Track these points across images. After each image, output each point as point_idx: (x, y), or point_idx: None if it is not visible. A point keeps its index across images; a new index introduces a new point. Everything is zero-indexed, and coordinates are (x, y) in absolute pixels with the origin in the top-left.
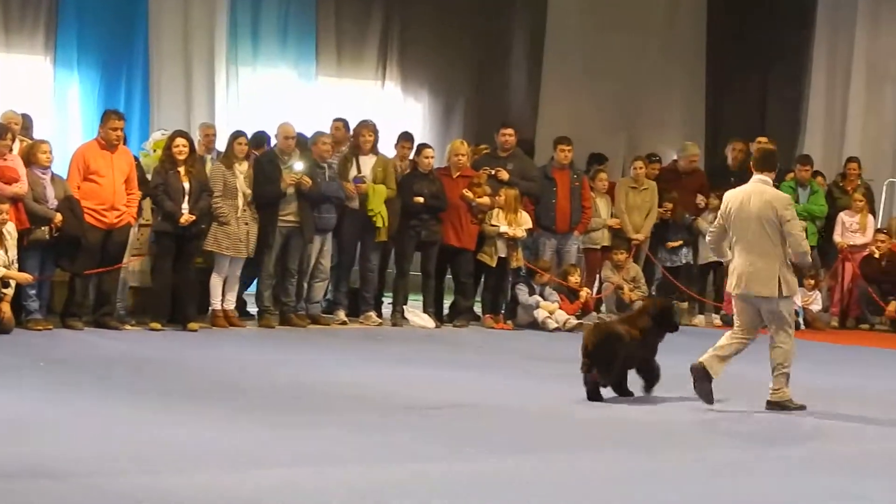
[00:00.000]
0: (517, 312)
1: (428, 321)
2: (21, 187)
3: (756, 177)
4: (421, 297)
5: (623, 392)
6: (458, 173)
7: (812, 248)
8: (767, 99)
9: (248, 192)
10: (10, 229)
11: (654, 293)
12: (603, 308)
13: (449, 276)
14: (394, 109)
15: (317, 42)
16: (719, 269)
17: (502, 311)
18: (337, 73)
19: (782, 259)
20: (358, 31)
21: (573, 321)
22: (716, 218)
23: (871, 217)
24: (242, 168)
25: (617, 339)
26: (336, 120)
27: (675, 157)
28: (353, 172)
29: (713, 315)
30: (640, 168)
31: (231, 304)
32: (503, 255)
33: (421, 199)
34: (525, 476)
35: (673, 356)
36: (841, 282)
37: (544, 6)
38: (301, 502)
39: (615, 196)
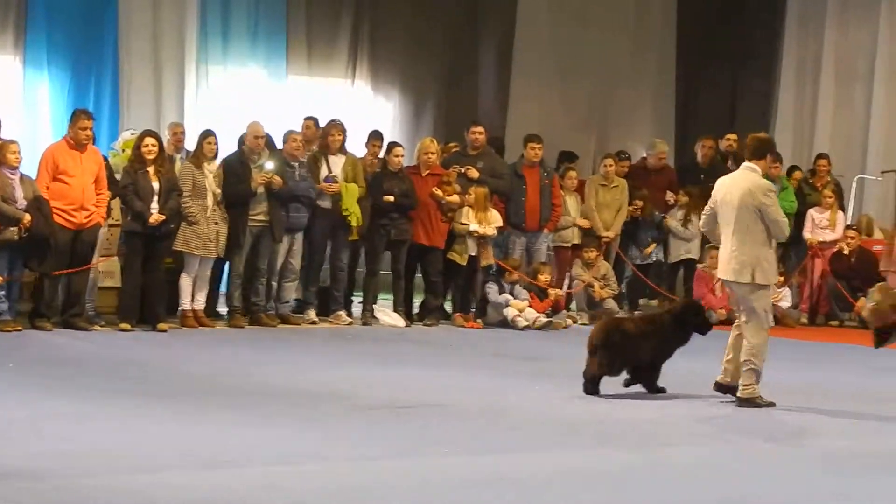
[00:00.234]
0: (487, 311)
1: (398, 320)
2: None
3: (745, 164)
4: (391, 296)
5: (647, 384)
6: (427, 172)
7: (779, 245)
8: (737, 96)
9: (218, 191)
10: None
11: (623, 290)
12: (573, 306)
13: (419, 275)
14: (364, 108)
15: (287, 41)
16: (689, 267)
17: (472, 310)
18: (307, 72)
19: (760, 247)
20: (328, 30)
21: (543, 319)
22: (684, 215)
23: (840, 213)
24: (212, 168)
25: (622, 333)
26: (307, 118)
27: (644, 155)
28: (323, 172)
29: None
30: (611, 165)
31: (201, 305)
32: (473, 254)
33: (391, 198)
34: (498, 474)
35: None
36: (810, 278)
37: (514, 5)
38: (273, 501)
39: (585, 194)
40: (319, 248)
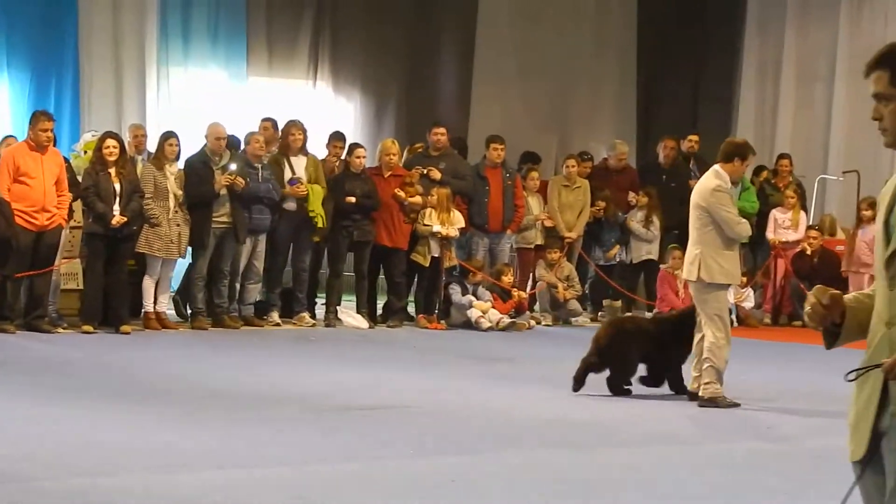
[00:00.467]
0: (450, 312)
1: (361, 322)
2: None
3: (713, 167)
4: (354, 298)
5: (672, 385)
6: (389, 173)
7: (742, 245)
8: (698, 97)
9: (179, 193)
10: None
11: (587, 291)
12: (537, 307)
13: (382, 277)
14: (325, 109)
15: (248, 42)
16: (650, 267)
17: (436, 311)
18: (268, 73)
19: (712, 247)
20: (289, 31)
21: (506, 320)
22: (644, 216)
23: (803, 214)
24: (173, 169)
25: (627, 334)
26: (264, 120)
27: (606, 156)
28: (287, 174)
29: (646, 314)
30: (573, 166)
31: (163, 307)
32: (436, 255)
33: (353, 199)
34: (461, 475)
35: None
36: (773, 279)
37: (475, 6)
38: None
39: (548, 195)
40: (282, 250)
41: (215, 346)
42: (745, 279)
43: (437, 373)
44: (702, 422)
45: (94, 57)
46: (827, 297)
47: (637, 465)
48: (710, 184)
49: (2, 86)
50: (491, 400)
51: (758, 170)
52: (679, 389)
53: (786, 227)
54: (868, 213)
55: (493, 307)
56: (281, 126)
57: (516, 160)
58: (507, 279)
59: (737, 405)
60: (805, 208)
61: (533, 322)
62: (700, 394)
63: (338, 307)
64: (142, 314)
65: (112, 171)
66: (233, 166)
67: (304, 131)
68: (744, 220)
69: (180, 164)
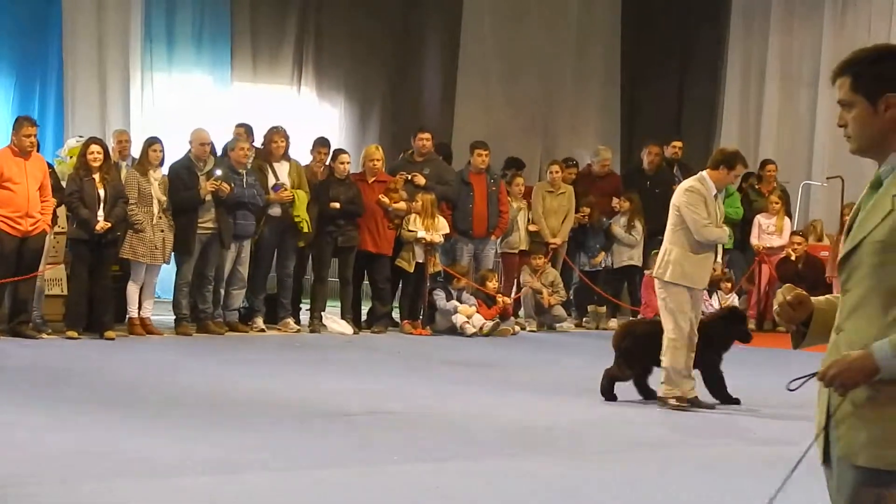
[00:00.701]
0: (435, 318)
1: (346, 327)
2: None
3: (700, 172)
4: (339, 304)
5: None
6: (373, 178)
7: (727, 251)
8: (683, 102)
9: (164, 198)
10: None
11: (571, 297)
12: (521, 313)
13: (367, 282)
14: (310, 114)
15: (232, 47)
16: (634, 273)
17: (420, 317)
18: (252, 79)
19: (680, 248)
20: (273, 37)
21: (489, 324)
22: (627, 221)
23: (787, 219)
24: (157, 175)
25: (638, 336)
26: (238, 125)
27: (589, 162)
28: (270, 180)
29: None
30: (557, 172)
31: (148, 312)
32: (421, 261)
33: (337, 205)
34: (445, 481)
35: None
36: (758, 284)
37: (459, 12)
38: None
39: (532, 201)
40: (266, 256)
41: (200, 352)
42: (728, 285)
43: (421, 378)
44: (686, 427)
45: (79, 62)
46: (792, 295)
47: (622, 471)
48: (685, 185)
49: None
50: (476, 406)
51: (746, 176)
52: (714, 393)
53: (770, 232)
54: None
55: (478, 312)
56: (262, 133)
57: (500, 166)
58: (492, 285)
59: (684, 408)
60: (789, 214)
61: (517, 328)
62: (658, 393)
63: (322, 313)
64: (126, 320)
65: (96, 176)
66: (218, 172)
67: (287, 138)
68: (709, 224)
69: (164, 170)
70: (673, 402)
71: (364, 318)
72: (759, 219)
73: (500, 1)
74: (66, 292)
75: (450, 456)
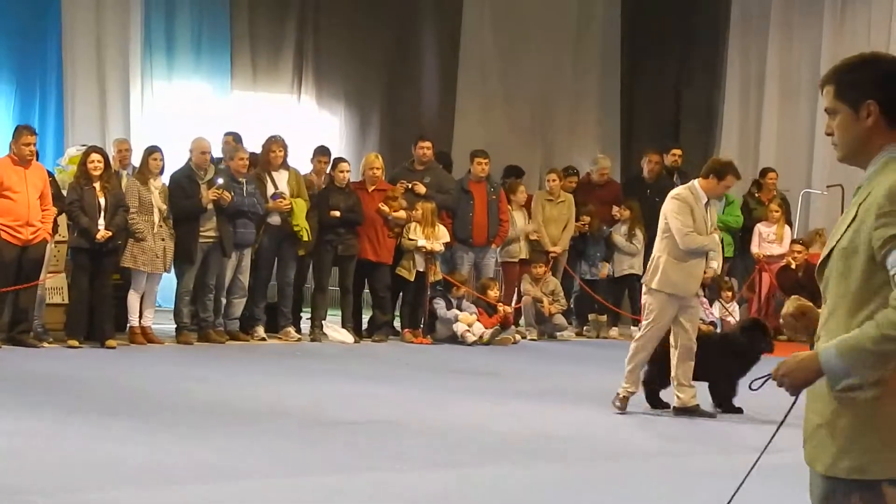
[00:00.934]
0: (436, 327)
1: (347, 336)
2: None
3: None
4: (339, 312)
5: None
6: (373, 187)
7: (727, 259)
8: (682, 110)
9: (164, 207)
10: None
11: (572, 306)
12: (522, 321)
13: (367, 291)
14: (310, 123)
15: (231, 55)
16: (634, 281)
17: (421, 326)
18: (252, 87)
19: (665, 253)
20: (273, 45)
21: (489, 332)
22: (628, 229)
23: (787, 228)
24: (157, 184)
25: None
26: (227, 134)
27: (588, 170)
28: (270, 189)
29: (632, 327)
30: (555, 180)
31: (149, 321)
32: (421, 269)
33: (337, 214)
34: (447, 489)
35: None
36: (758, 293)
37: (458, 19)
38: None
39: (532, 209)
40: (266, 265)
41: (201, 360)
42: (730, 294)
43: (423, 387)
44: (688, 435)
45: (78, 71)
46: (794, 307)
47: (623, 479)
48: (673, 192)
49: None
50: (476, 414)
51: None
52: (718, 402)
53: (770, 241)
54: None
55: (479, 321)
56: (260, 141)
57: (500, 174)
58: (493, 293)
59: (621, 410)
60: (790, 222)
61: (518, 336)
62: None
63: (323, 322)
64: (127, 329)
65: (97, 185)
66: (220, 180)
67: (285, 147)
68: (692, 232)
69: (164, 179)
70: (618, 402)
71: (365, 326)
72: (760, 227)
73: (500, 11)
74: (66, 301)
75: (451, 463)
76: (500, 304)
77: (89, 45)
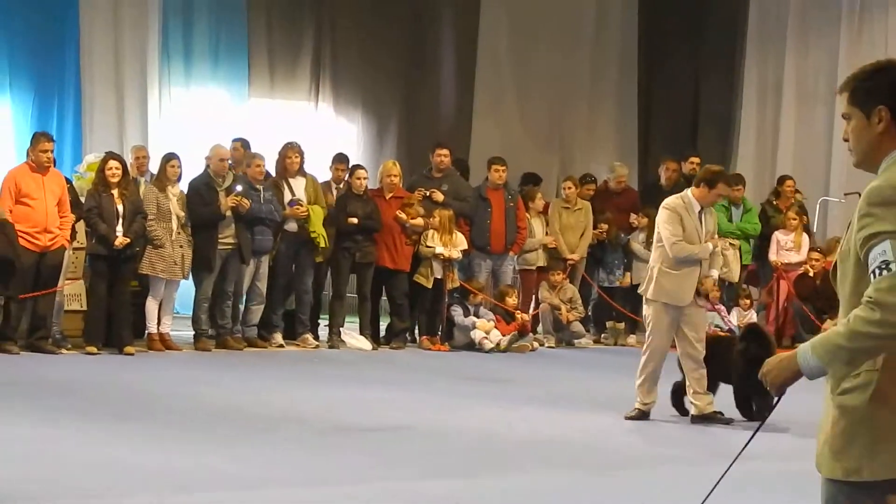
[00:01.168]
0: (454, 334)
1: (364, 343)
2: None
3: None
4: (357, 319)
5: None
6: (390, 194)
7: (744, 266)
8: (699, 118)
9: (182, 214)
10: None
11: (590, 313)
12: (539, 328)
13: (385, 298)
14: (327, 130)
15: (249, 62)
16: None
17: (439, 333)
18: (269, 94)
19: (659, 262)
20: (290, 51)
21: (506, 340)
22: (646, 237)
23: (805, 235)
24: (175, 191)
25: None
26: (235, 140)
27: (606, 178)
28: (287, 196)
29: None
30: (570, 188)
31: (167, 328)
32: (439, 277)
33: (355, 220)
34: (464, 497)
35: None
36: (776, 300)
37: (475, 27)
38: None
39: (549, 217)
40: (283, 271)
41: (219, 367)
42: (747, 301)
43: (440, 394)
44: (704, 443)
45: (96, 78)
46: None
47: (639, 487)
48: (664, 201)
49: (4, 107)
50: (494, 421)
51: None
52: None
53: (788, 248)
54: None
55: (496, 328)
56: (277, 148)
57: (517, 182)
58: (512, 301)
59: (638, 416)
60: (808, 230)
61: (536, 344)
62: None
63: (341, 328)
64: (145, 335)
65: (115, 192)
66: (238, 187)
67: (301, 153)
68: (680, 240)
69: (182, 186)
70: (631, 412)
71: (382, 333)
72: (777, 235)
73: (517, 17)
74: (85, 308)
75: (469, 471)
76: (518, 311)
77: (107, 52)
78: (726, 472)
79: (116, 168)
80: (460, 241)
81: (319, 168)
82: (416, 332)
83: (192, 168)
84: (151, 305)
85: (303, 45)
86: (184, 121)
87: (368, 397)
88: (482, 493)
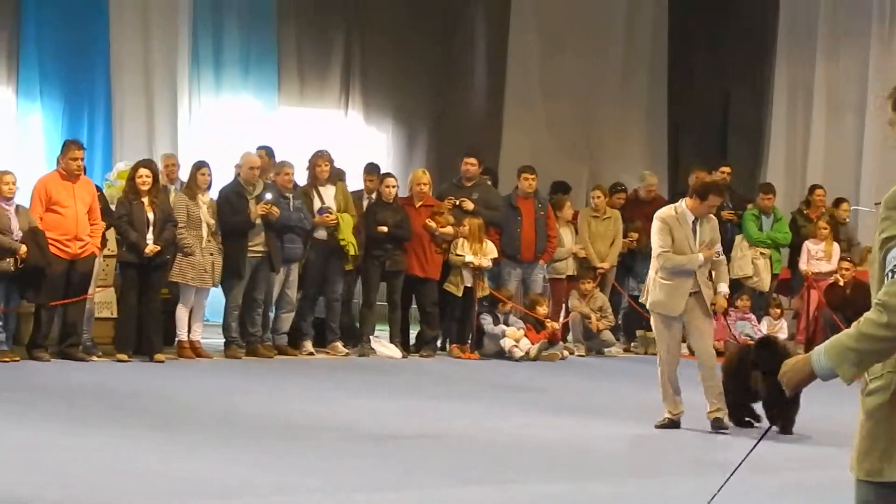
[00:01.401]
0: (483, 342)
1: (395, 351)
2: None
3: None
4: (387, 328)
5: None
6: (420, 203)
7: (774, 276)
8: (728, 126)
9: (212, 222)
10: None
11: (620, 322)
12: (569, 337)
13: (415, 306)
14: (357, 138)
15: (279, 71)
16: None
17: (469, 341)
18: (299, 102)
19: (654, 273)
20: (320, 60)
21: (535, 348)
22: None
23: (836, 245)
24: (205, 199)
25: (731, 359)
26: (259, 148)
27: (636, 187)
28: (316, 204)
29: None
30: (599, 197)
31: (197, 335)
32: (469, 285)
33: (385, 229)
34: None
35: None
36: (807, 309)
37: (505, 36)
38: None
39: (578, 225)
40: (313, 280)
41: (249, 375)
42: (778, 311)
43: (470, 402)
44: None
45: (126, 86)
46: None
47: (671, 495)
48: (658, 212)
49: (36, 116)
50: (524, 430)
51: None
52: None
53: (819, 258)
54: None
55: (526, 336)
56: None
57: (547, 190)
58: (542, 310)
59: (668, 425)
60: (838, 239)
61: (566, 352)
62: None
63: (371, 337)
64: (175, 343)
65: (145, 199)
66: (268, 195)
67: (331, 161)
68: (668, 251)
69: (212, 194)
70: (661, 421)
71: (412, 341)
72: (808, 244)
73: (546, 26)
74: (115, 315)
75: (496, 479)
76: (548, 319)
77: (137, 61)
78: (728, 479)
79: (147, 176)
80: (490, 250)
81: (349, 176)
82: (446, 340)
83: (221, 176)
84: (181, 313)
85: (333, 53)
86: (214, 129)
87: (398, 406)
88: (513, 502)
